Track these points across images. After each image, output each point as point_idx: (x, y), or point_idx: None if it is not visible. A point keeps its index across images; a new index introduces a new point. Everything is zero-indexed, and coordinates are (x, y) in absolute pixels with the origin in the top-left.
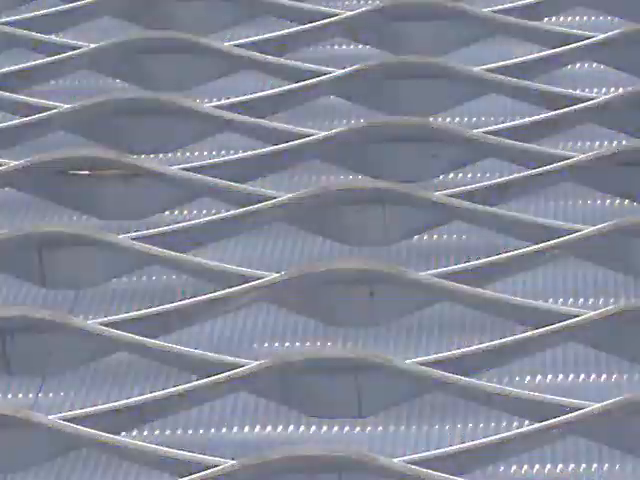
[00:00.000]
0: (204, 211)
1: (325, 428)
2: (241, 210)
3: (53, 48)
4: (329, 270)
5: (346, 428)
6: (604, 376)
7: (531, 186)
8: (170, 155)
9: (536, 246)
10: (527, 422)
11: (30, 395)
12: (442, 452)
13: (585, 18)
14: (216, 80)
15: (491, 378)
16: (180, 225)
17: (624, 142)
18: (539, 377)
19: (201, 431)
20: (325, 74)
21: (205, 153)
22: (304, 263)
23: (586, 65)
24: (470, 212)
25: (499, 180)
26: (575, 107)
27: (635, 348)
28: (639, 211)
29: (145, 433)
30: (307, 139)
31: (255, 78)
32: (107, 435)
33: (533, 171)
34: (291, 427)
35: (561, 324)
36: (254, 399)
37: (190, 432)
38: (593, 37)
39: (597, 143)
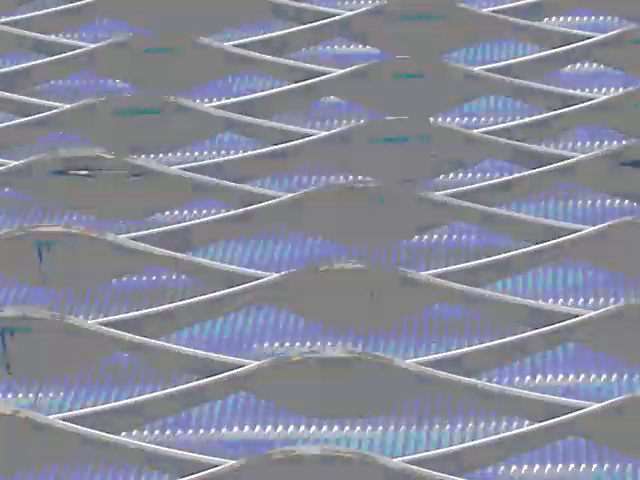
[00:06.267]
0: (204, 211)
1: (325, 428)
2: (241, 210)
3: (53, 48)
4: (329, 270)
5: (346, 428)
6: (604, 376)
7: (531, 186)
8: (170, 155)
9: (536, 246)
10: (527, 422)
11: (30, 395)
12: (442, 452)
13: (585, 18)
14: (216, 80)
15: (491, 378)
16: (180, 225)
17: (624, 142)
18: (539, 377)
19: (201, 431)
20: (325, 74)
21: (205, 153)
22: (304, 263)
23: (586, 65)
24: (470, 212)
25: (499, 180)
26: (575, 107)
27: (635, 348)
28: (639, 211)
29: (145, 433)
30: (307, 139)
31: (255, 78)
32: (107, 435)
33: (533, 171)
34: (291, 427)
35: (561, 324)
36: (254, 399)
37: (190, 432)
38: (593, 37)
39: (597, 143)
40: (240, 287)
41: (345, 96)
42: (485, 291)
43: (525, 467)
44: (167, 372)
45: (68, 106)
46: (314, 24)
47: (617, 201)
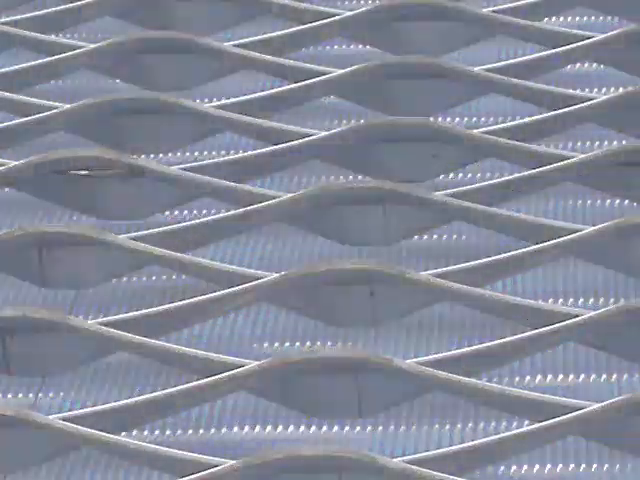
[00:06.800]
0: (204, 211)
1: (325, 428)
2: (241, 210)
3: (53, 48)
4: (329, 270)
5: (346, 428)
6: (604, 376)
7: (531, 186)
8: (170, 155)
9: (536, 246)
10: (527, 422)
11: (30, 395)
12: (442, 452)
13: (585, 18)
14: (216, 80)
15: (491, 378)
16: (180, 225)
17: (624, 142)
18: (539, 377)
19: (201, 431)
20: (325, 74)
21: (205, 153)
22: (304, 263)
23: (586, 65)
24: (470, 212)
25: (499, 180)
26: (575, 107)
27: (635, 348)
28: (639, 211)
29: (145, 433)
30: (307, 139)
31: (255, 78)
32: (107, 435)
33: (533, 171)
34: (291, 427)
35: (561, 324)
36: (254, 399)
37: (190, 432)
38: (593, 37)
39: (597, 143)
40: (240, 287)
41: (345, 96)
42: (485, 291)
43: (525, 467)
44: (167, 372)
45: (68, 106)
46: (314, 24)
47: (617, 201)
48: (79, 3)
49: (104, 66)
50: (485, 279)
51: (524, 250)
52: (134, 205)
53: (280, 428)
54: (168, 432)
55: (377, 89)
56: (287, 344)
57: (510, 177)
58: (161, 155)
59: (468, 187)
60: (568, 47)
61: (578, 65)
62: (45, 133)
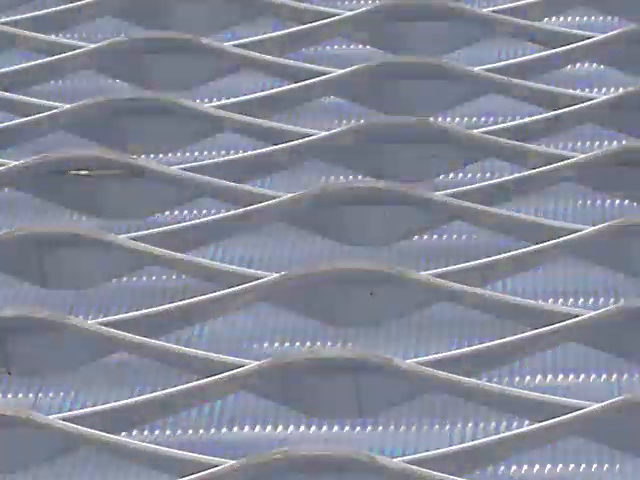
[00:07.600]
0: (204, 211)
1: (325, 428)
2: (241, 210)
3: (53, 48)
4: (329, 270)
5: (346, 428)
6: (604, 376)
7: (531, 186)
8: (170, 155)
9: (536, 246)
10: (527, 422)
11: (30, 395)
12: (442, 452)
13: (585, 18)
14: (216, 80)
15: (491, 378)
16: (180, 225)
17: (624, 142)
18: (539, 377)
19: (201, 431)
20: (325, 74)
21: (205, 153)
22: (304, 263)
23: (586, 65)
24: (470, 212)
25: (499, 180)
26: (575, 107)
27: (635, 348)
28: (639, 211)
29: (145, 433)
30: (307, 139)
31: (255, 78)
32: (107, 435)
33: (533, 171)
34: (291, 427)
35: (561, 324)
36: (254, 399)
37: (190, 432)
38: (593, 37)
39: (597, 143)
40: (240, 287)
41: (345, 96)
42: (485, 291)
43: (525, 467)
44: (167, 372)
45: (68, 106)
46: (314, 24)
47: (617, 201)
48: (79, 3)
49: (104, 66)
50: (485, 279)
51: (524, 250)
52: (134, 205)
53: (280, 428)
54: (168, 432)
55: (377, 89)
56: (287, 344)
57: (510, 177)
58: (161, 155)
59: (468, 187)
60: (568, 47)
61: (578, 65)
62: (45, 133)
